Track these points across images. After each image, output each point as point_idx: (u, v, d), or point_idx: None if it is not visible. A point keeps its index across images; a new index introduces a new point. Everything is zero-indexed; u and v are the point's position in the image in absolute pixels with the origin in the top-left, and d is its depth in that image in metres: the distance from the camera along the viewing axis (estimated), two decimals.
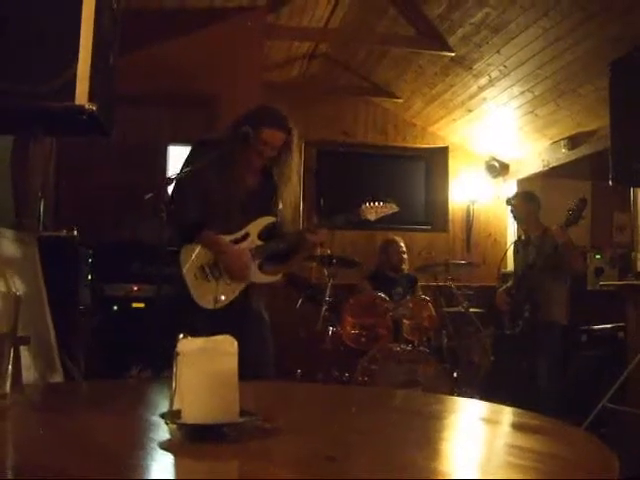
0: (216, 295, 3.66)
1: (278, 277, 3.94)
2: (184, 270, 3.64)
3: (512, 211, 5.97)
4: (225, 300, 3.70)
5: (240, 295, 3.76)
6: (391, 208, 4.06)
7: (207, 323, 3.48)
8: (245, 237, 3.77)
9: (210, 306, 3.65)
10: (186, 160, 3.71)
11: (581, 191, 8.28)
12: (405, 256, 7.06)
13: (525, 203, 5.87)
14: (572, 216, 5.21)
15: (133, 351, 4.82)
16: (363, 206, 4.02)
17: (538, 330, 5.45)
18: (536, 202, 5.88)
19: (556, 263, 5.44)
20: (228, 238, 3.74)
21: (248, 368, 3.72)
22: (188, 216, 3.62)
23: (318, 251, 6.65)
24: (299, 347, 6.10)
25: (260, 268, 3.83)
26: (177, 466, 1.32)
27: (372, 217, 4.02)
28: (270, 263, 3.91)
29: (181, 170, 3.53)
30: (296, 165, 3.92)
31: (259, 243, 3.79)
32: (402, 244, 7.11)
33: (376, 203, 4.04)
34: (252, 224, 3.79)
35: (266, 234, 3.84)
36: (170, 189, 3.49)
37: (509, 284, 5.98)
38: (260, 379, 3.76)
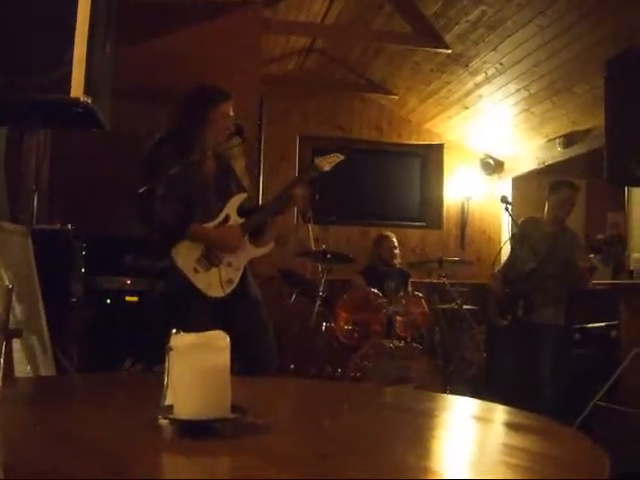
0: (222, 281, 3.73)
1: (272, 246, 4.04)
2: (183, 268, 3.68)
3: (507, 209, 5.90)
4: (233, 282, 3.81)
5: (240, 281, 3.84)
6: (338, 157, 4.13)
7: (208, 315, 3.52)
8: (226, 219, 3.88)
9: (221, 293, 3.76)
10: (160, 160, 3.70)
11: None
12: (397, 251, 7.07)
13: (565, 193, 5.70)
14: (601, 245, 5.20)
15: (126, 344, 4.82)
16: (316, 160, 4.14)
17: (534, 330, 5.43)
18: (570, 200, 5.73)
19: (565, 274, 5.40)
20: (211, 224, 3.83)
21: (254, 352, 3.76)
22: (169, 219, 3.63)
23: (312, 245, 6.66)
24: (292, 342, 6.10)
25: (252, 243, 3.95)
26: (168, 462, 1.33)
27: (327, 167, 4.09)
28: (257, 236, 4.01)
29: (161, 171, 3.51)
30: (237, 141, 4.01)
31: (241, 221, 3.89)
32: (394, 239, 7.13)
33: (325, 155, 4.13)
34: (227, 205, 3.90)
35: (244, 211, 3.94)
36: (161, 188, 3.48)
37: (502, 268, 5.93)
38: (267, 362, 3.83)
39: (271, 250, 4.05)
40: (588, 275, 5.52)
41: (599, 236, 5.34)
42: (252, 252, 3.95)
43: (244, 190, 4.09)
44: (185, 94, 4.02)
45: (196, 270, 3.71)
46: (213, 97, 3.89)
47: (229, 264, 3.80)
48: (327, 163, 4.09)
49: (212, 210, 3.85)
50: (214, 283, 3.74)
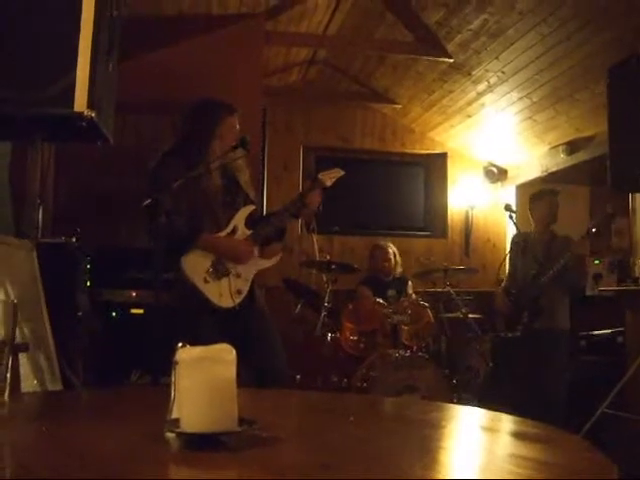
0: (232, 291, 3.75)
1: (279, 257, 4.09)
2: (193, 279, 3.69)
3: (511, 217, 5.92)
4: (242, 293, 3.84)
5: (247, 292, 3.88)
6: (339, 172, 4.21)
7: (216, 327, 3.53)
8: (234, 231, 3.91)
9: (231, 303, 3.78)
10: (165, 173, 3.71)
11: (580, 197, 8.33)
12: (393, 261, 7.02)
13: (555, 202, 5.81)
14: (596, 229, 5.24)
15: (133, 357, 4.83)
16: (320, 175, 4.18)
17: (540, 337, 5.44)
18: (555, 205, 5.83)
19: (565, 276, 5.42)
20: (221, 234, 3.86)
21: (264, 365, 3.78)
22: (179, 229, 3.64)
23: (317, 256, 6.66)
24: (298, 353, 6.09)
25: (260, 254, 3.99)
26: (174, 475, 1.33)
27: (329, 183, 4.17)
28: (265, 247, 4.07)
29: (167, 183, 3.51)
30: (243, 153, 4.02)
31: (249, 232, 3.92)
32: (390, 249, 7.07)
33: (327, 171, 4.22)
34: (236, 217, 3.94)
35: (251, 223, 3.97)
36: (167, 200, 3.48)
37: (505, 284, 5.97)
38: (278, 375, 3.85)
39: (278, 261, 4.08)
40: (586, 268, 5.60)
41: (590, 225, 5.38)
42: (260, 263, 3.98)
43: (252, 202, 4.10)
44: (190, 107, 4.03)
45: (206, 280, 3.73)
46: (219, 111, 3.91)
47: (238, 275, 3.82)
48: (329, 179, 4.16)
49: (220, 222, 3.87)
50: (224, 293, 3.75)
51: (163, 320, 3.66)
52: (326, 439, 1.62)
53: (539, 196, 5.90)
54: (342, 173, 4.21)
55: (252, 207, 4.02)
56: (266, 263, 4.01)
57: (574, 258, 5.39)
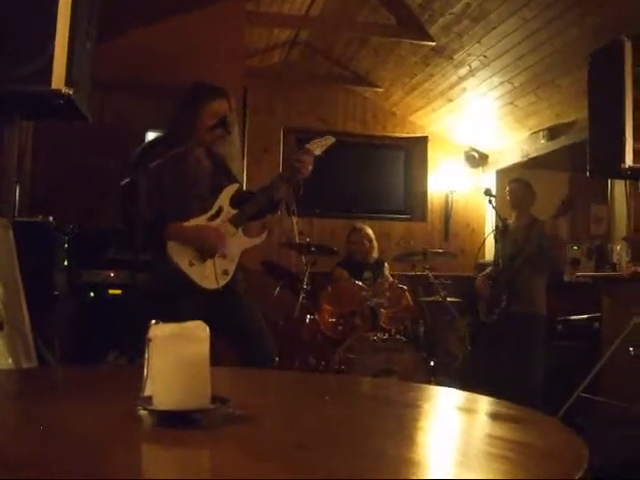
0: (217, 273, 3.73)
1: (264, 236, 4.05)
2: (178, 261, 3.67)
3: (490, 202, 5.96)
4: (229, 273, 3.82)
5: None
6: (329, 139, 4.13)
7: (198, 309, 3.50)
8: (219, 211, 3.85)
9: (214, 285, 3.73)
10: (146, 155, 3.70)
11: (560, 182, 8.35)
12: (370, 243, 6.98)
13: (525, 190, 5.90)
14: (563, 207, 5.30)
15: (110, 338, 4.81)
16: (307, 145, 4.07)
17: (518, 321, 5.48)
18: (533, 193, 5.91)
19: (540, 257, 5.47)
20: (204, 217, 3.80)
21: (252, 348, 3.78)
22: (150, 214, 3.62)
23: (296, 238, 6.65)
24: (276, 335, 6.08)
25: (245, 234, 3.95)
26: (147, 452, 1.32)
27: (319, 151, 4.07)
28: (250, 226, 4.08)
29: (145, 164, 3.50)
30: (236, 134, 4.00)
31: (234, 212, 3.87)
32: (366, 232, 7.02)
33: (317, 139, 4.11)
34: (220, 197, 3.88)
35: (237, 201, 3.92)
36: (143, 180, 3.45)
37: (488, 270, 6.00)
38: (266, 356, 3.85)
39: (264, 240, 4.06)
40: (562, 248, 5.68)
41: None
42: (246, 242, 3.94)
43: (236, 181, 4.07)
44: (181, 93, 4.01)
45: (191, 263, 3.70)
46: (203, 95, 3.88)
47: (223, 256, 3.79)
48: (318, 147, 4.07)
49: (207, 204, 3.84)
50: (209, 275, 3.72)
51: (141, 301, 3.64)
52: (301, 418, 1.62)
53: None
54: (333, 140, 4.12)
55: (236, 186, 3.96)
56: (252, 242, 3.98)
57: (547, 238, 5.43)
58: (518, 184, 6.01)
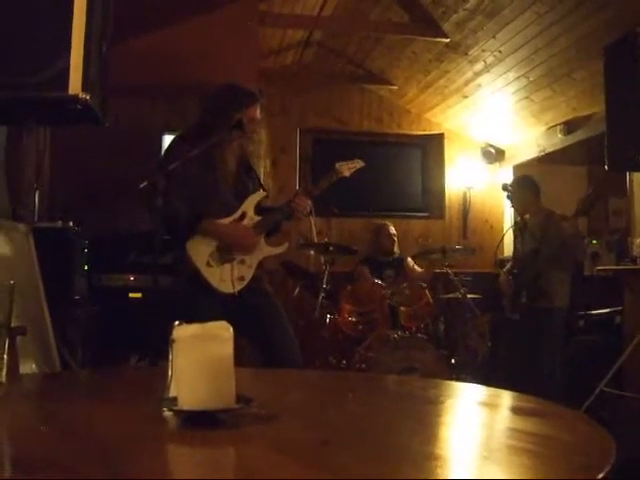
0: (233, 277, 3.72)
1: (286, 246, 4.04)
2: (196, 262, 3.66)
3: (509, 197, 5.94)
4: (245, 280, 3.78)
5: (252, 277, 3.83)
6: (359, 163, 4.21)
7: (218, 311, 3.48)
8: (243, 216, 3.83)
9: (230, 289, 3.72)
10: (168, 156, 3.71)
11: (578, 177, 8.32)
12: (395, 239, 7.13)
13: (520, 189, 5.83)
14: (584, 206, 5.25)
15: (131, 341, 4.83)
16: (337, 165, 4.13)
17: (539, 316, 5.44)
18: (533, 187, 5.83)
19: (563, 256, 5.42)
20: (227, 220, 3.79)
21: (277, 349, 3.76)
22: (181, 213, 3.62)
23: (315, 238, 6.65)
24: (296, 335, 6.08)
25: (266, 242, 3.94)
26: (172, 452, 1.32)
27: (347, 173, 4.15)
28: (272, 235, 4.03)
29: (164, 166, 3.49)
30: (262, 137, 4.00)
31: (257, 219, 3.85)
32: (392, 228, 7.18)
33: (347, 161, 4.18)
34: (246, 203, 3.85)
35: (261, 209, 3.91)
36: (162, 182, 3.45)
37: (508, 266, 5.97)
38: (292, 357, 3.83)
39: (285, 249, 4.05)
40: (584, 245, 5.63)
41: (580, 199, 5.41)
42: (266, 250, 3.91)
43: (263, 188, 4.04)
44: (212, 93, 3.97)
45: (209, 264, 3.68)
46: (243, 98, 3.84)
47: (242, 261, 3.76)
48: (347, 169, 4.13)
49: (230, 207, 3.82)
50: (226, 279, 3.70)
51: (162, 304, 3.65)
52: (325, 416, 1.61)
53: (522, 183, 5.97)
54: (362, 164, 4.20)
55: (263, 194, 3.94)
56: (273, 251, 3.96)
57: (569, 236, 5.39)
58: (513, 186, 5.91)
